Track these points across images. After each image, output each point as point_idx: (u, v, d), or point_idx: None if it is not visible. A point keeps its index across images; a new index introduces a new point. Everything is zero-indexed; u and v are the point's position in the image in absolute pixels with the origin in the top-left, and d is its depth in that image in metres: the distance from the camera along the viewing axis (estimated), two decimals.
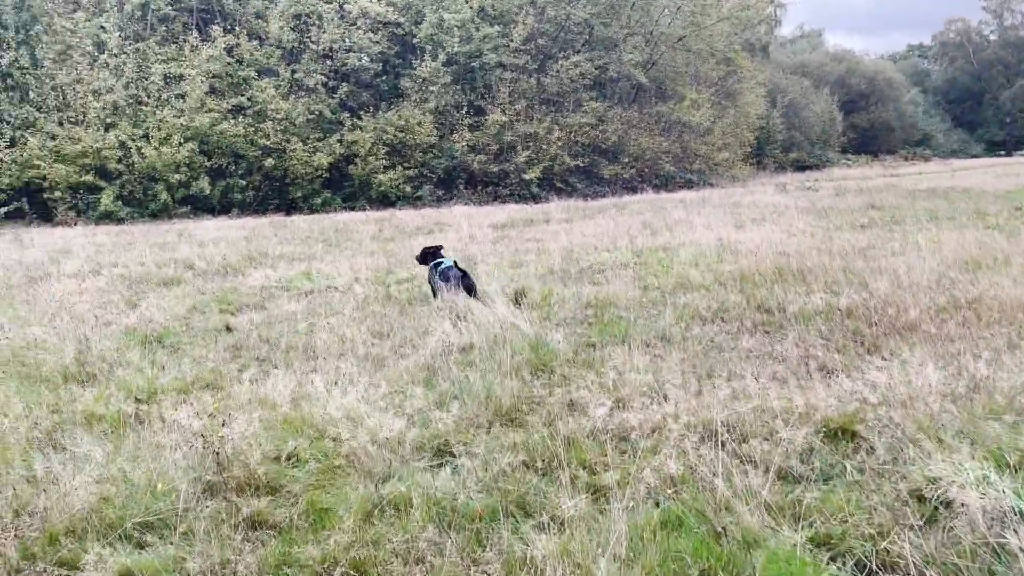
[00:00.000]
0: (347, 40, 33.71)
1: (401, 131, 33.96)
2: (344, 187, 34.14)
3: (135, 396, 5.45)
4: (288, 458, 4.38)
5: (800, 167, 56.58)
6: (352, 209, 31.25)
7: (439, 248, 9.63)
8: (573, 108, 37.81)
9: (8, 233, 20.34)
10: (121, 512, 3.66)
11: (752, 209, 19.97)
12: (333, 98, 33.89)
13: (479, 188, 35.32)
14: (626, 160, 38.39)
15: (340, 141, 33.33)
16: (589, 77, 37.47)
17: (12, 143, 28.97)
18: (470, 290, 8.47)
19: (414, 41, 35.70)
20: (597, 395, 5.11)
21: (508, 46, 35.77)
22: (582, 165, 36.94)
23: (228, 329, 7.92)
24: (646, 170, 39.12)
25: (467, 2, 35.32)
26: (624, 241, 13.81)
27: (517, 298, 8.57)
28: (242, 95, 32.17)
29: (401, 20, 35.18)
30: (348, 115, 34.21)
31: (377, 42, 34.27)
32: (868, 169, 54.19)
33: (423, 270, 9.61)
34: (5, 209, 27.50)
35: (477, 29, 35.23)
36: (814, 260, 9.77)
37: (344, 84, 34.31)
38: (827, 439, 4.27)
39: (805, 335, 6.54)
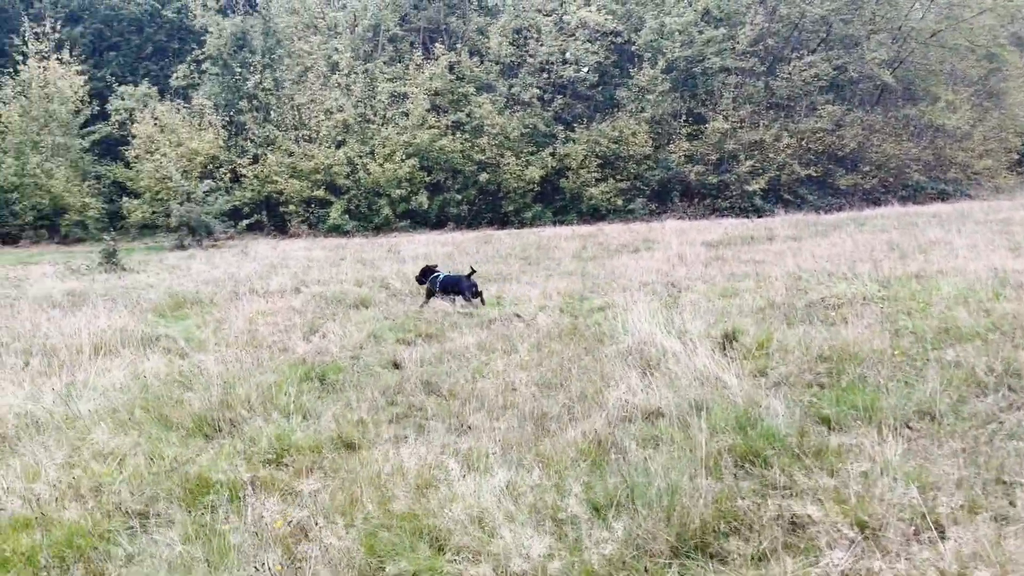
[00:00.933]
0: (564, 52, 33.24)
1: (615, 142, 32.86)
2: (555, 201, 33.65)
3: (261, 457, 4.73)
4: None
5: None
6: (562, 223, 30.59)
7: (435, 266, 11.33)
8: (805, 113, 34.60)
9: (239, 244, 21.71)
10: None
11: None
12: (547, 111, 33.55)
13: (695, 201, 33.32)
14: (867, 169, 34.47)
15: (552, 154, 32.88)
16: (825, 79, 34.09)
17: (255, 159, 31.55)
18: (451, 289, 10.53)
19: (632, 49, 34.47)
20: (832, 516, 3.58)
21: (734, 48, 33.44)
22: (814, 175, 33.64)
23: (395, 366, 7.17)
24: (891, 180, 34.88)
25: (690, 5, 33.48)
26: (865, 266, 11.59)
27: (725, 342, 7.06)
28: (461, 111, 32.74)
29: (620, 28, 34.08)
30: (562, 128, 33.71)
31: (594, 52, 33.44)
32: None
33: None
34: (247, 221, 29.87)
35: (700, 32, 33.29)
36: None
37: (559, 96, 33.87)
38: None
39: None
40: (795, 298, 9.43)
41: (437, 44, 33.28)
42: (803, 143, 33.67)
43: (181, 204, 25.23)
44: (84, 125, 32.71)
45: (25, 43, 31.37)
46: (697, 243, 16.97)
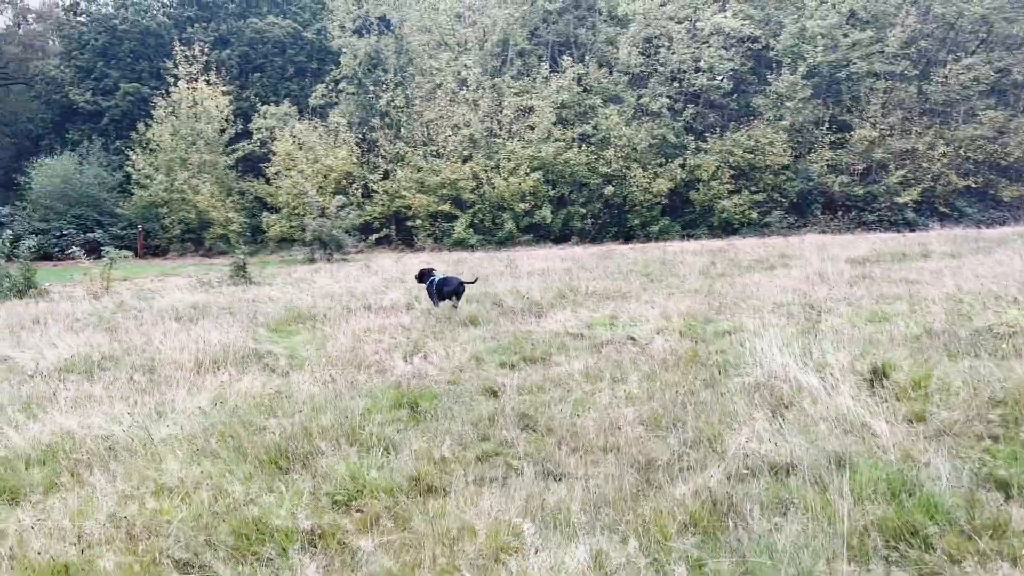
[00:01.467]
0: (697, 60, 32.01)
1: (750, 152, 31.28)
2: (684, 214, 32.40)
3: (330, 498, 4.27)
4: None
5: None
6: (691, 237, 29.35)
7: (432, 269, 12.10)
8: (964, 119, 31.68)
9: (366, 258, 21.98)
10: None
11: None
12: (678, 121, 32.41)
13: (838, 214, 31.17)
14: None
15: (682, 165, 31.70)
16: (986, 82, 31.11)
17: (386, 175, 32.20)
18: (449, 292, 11.27)
19: (771, 54, 32.79)
20: None
21: (882, 52, 31.13)
22: (974, 186, 30.71)
23: (493, 393, 6.61)
24: None
25: (834, 7, 31.45)
26: None
27: (874, 378, 6.04)
28: (587, 123, 32.17)
29: (757, 33, 32.49)
30: (692, 138, 32.46)
31: (729, 59, 32.04)
32: None
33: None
34: (376, 235, 30.48)
35: (845, 35, 31.20)
36: None
37: (690, 106, 32.65)
38: None
39: None
40: (957, 325, 8.16)
41: (564, 57, 32.89)
42: (961, 152, 30.82)
43: (314, 219, 25.97)
44: (229, 143, 34.54)
45: (176, 66, 33.48)
46: (840, 260, 15.52)
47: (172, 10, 42.01)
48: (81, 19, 41.61)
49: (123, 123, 38.89)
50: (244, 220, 32.40)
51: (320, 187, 30.60)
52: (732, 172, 31.42)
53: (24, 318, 11.38)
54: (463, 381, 7.12)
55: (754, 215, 30.86)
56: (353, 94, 34.99)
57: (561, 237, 31.14)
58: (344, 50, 35.56)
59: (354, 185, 31.92)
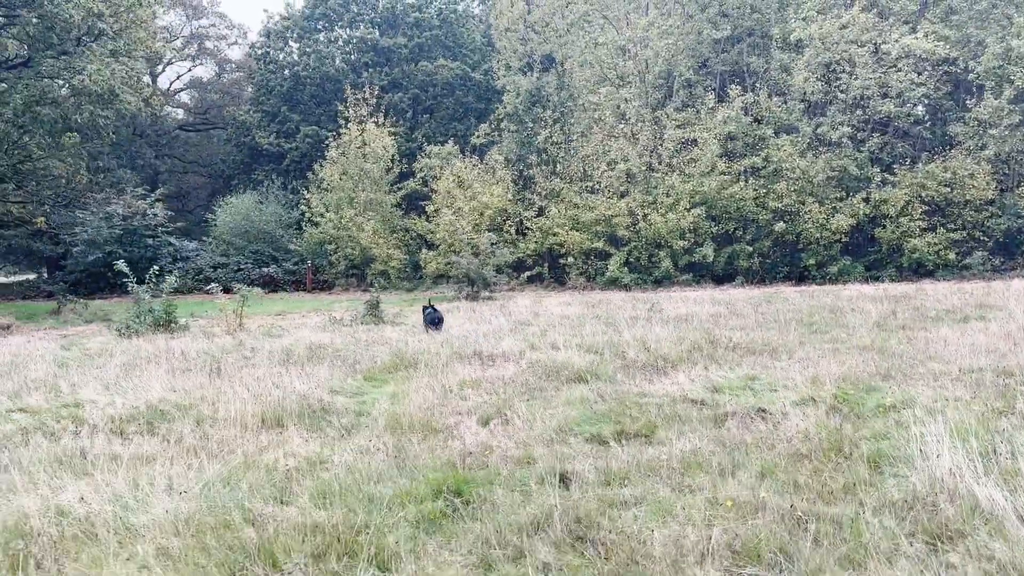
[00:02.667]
0: (884, 85, 28.91)
1: (946, 186, 27.68)
2: (868, 253, 29.14)
3: None
4: None
5: None
6: (875, 280, 26.20)
7: (431, 305, 14.98)
8: None
9: (506, 298, 21.22)
10: None
11: None
12: (861, 151, 29.35)
13: None
14: None
15: (866, 200, 28.57)
16: None
17: (540, 212, 31.54)
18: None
19: (970, 77, 29.03)
20: None
21: None
22: None
23: (564, 482, 5.31)
24: None
25: None
26: None
27: None
28: (756, 155, 29.89)
29: (954, 55, 28.89)
30: (878, 170, 29.25)
31: (921, 83, 28.68)
32: None
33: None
34: (528, 273, 29.78)
35: None
36: None
37: (875, 135, 29.50)
38: None
39: None
40: None
41: (732, 86, 30.87)
42: None
43: (463, 256, 25.71)
44: (394, 182, 35.39)
45: (347, 108, 34.82)
46: None
47: (351, 56, 44.24)
48: (270, 67, 44.75)
49: (302, 164, 41.20)
50: (404, 257, 32.86)
51: (475, 224, 30.47)
52: (925, 207, 27.87)
53: (143, 355, 11.42)
54: (535, 460, 5.87)
55: (951, 256, 27.11)
56: (514, 131, 34.85)
57: (724, 277, 28.94)
58: (507, 88, 35.60)
59: (508, 222, 31.53)
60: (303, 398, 7.84)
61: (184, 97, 57.26)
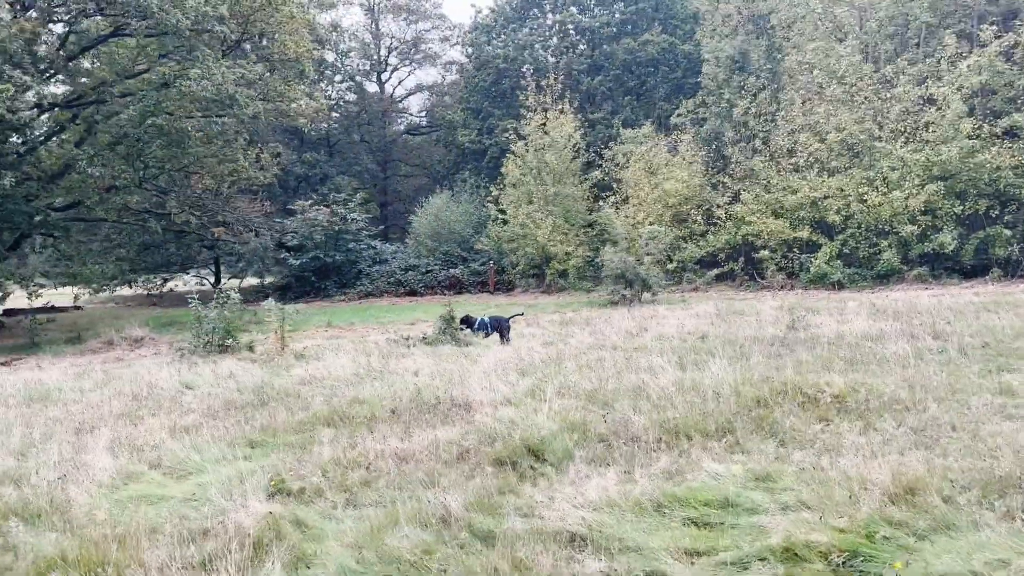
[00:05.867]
0: None
1: None
2: None
3: None
4: None
5: None
6: None
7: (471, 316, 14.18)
8: None
9: (665, 302, 17.89)
10: None
11: None
12: None
13: None
14: None
15: None
16: None
17: (736, 197, 27.14)
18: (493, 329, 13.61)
19: None
20: None
21: None
22: None
23: None
24: None
25: None
26: None
27: None
28: (1018, 111, 23.07)
29: None
30: None
31: None
32: None
33: None
34: (717, 270, 25.74)
35: None
36: None
37: None
38: None
39: None
40: None
41: (983, 26, 24.16)
42: None
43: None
44: (580, 173, 32.67)
45: (527, 97, 32.70)
46: None
47: (551, 42, 42.23)
48: (476, 62, 44.09)
49: (500, 159, 39.95)
50: (587, 255, 30.09)
51: (659, 215, 26.98)
52: None
53: (168, 393, 10.04)
54: None
55: None
56: (715, 103, 30.61)
57: (974, 270, 22.66)
58: (706, 57, 31.44)
59: (693, 212, 27.54)
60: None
61: (413, 101, 59.31)
